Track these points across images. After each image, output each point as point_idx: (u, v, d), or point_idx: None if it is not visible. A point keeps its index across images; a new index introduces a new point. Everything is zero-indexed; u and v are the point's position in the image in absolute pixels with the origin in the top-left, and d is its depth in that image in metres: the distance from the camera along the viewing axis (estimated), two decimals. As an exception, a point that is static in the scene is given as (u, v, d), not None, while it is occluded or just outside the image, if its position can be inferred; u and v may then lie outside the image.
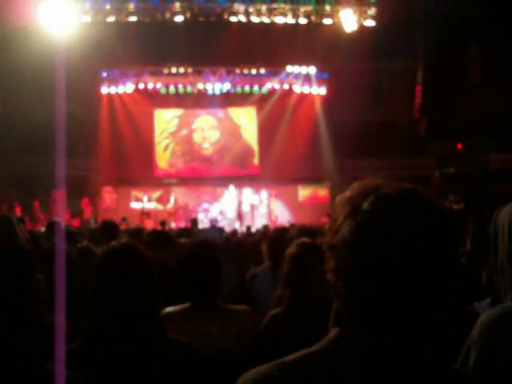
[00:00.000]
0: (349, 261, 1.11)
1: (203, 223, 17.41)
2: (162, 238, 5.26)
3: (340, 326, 1.17)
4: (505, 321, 1.68)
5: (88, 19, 17.40)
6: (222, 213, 18.77)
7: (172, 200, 19.13)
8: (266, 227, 11.85)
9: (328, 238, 1.18)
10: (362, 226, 1.11)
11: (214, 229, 9.43)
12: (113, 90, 20.19)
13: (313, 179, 20.11)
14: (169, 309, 2.82)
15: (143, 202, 19.48)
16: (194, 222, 15.55)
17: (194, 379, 2.06)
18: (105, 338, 2.03)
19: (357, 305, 1.12)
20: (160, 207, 19.58)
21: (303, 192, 20.39)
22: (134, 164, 19.48)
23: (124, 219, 16.24)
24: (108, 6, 17.48)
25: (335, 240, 1.15)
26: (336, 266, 1.14)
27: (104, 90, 20.10)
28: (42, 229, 13.60)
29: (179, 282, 2.89)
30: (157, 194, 19.99)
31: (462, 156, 18.35)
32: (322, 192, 20.22)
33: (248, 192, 19.48)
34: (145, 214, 18.68)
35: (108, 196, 19.80)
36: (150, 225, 16.71)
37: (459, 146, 18.63)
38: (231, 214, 18.72)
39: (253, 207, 19.32)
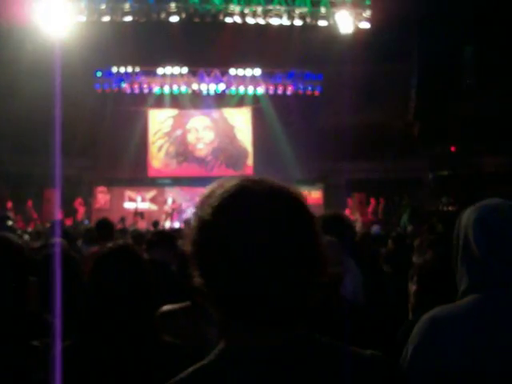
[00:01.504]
0: (206, 266, 1.14)
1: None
2: (165, 238, 5.26)
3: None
4: (449, 319, 1.72)
5: (83, 19, 17.36)
6: None
7: (169, 200, 19.10)
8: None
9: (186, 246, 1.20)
10: (202, 233, 1.15)
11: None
12: (107, 89, 20.16)
13: (306, 181, 20.11)
14: (167, 307, 2.82)
15: (137, 202, 19.46)
16: (188, 222, 15.58)
17: None
18: (95, 339, 2.03)
19: (226, 307, 1.14)
20: (154, 207, 19.58)
21: (297, 193, 20.40)
22: (128, 164, 19.44)
23: (122, 219, 16.21)
24: (103, 6, 17.45)
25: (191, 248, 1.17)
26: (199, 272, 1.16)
27: (99, 89, 20.07)
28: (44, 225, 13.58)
29: (181, 281, 2.89)
30: (150, 194, 19.98)
31: (455, 159, 18.42)
32: (316, 194, 20.24)
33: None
34: (138, 214, 18.65)
35: (101, 196, 19.77)
36: (143, 225, 16.70)
37: (453, 149, 18.70)
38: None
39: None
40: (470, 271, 1.78)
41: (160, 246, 4.96)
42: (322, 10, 18.18)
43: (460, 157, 18.19)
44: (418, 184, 18.95)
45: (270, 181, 1.18)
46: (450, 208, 17.11)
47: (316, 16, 18.32)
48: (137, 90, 20.36)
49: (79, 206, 18.15)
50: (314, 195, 20.30)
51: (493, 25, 16.69)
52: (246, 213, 1.12)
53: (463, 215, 1.84)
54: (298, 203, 1.16)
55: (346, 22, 17.84)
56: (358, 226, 17.33)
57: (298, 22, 18.44)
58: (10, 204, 16.21)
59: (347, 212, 18.40)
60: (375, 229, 16.18)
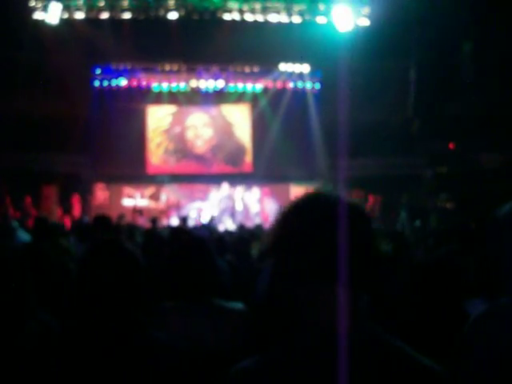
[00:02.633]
0: None
1: (195, 221, 17.47)
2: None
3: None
4: (495, 318, 1.72)
5: (82, 15, 17.36)
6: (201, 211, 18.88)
7: (163, 197, 19.13)
8: (259, 227, 11.79)
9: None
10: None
11: (204, 227, 9.43)
12: (106, 86, 20.14)
13: (305, 177, 20.11)
14: (165, 303, 2.82)
15: (136, 199, 19.47)
16: (184, 219, 15.58)
17: (175, 381, 2.02)
18: (80, 335, 2.03)
19: None
20: (153, 204, 19.59)
21: (295, 190, 20.39)
22: (127, 161, 19.43)
23: (121, 216, 16.17)
24: (102, 3, 17.45)
25: None
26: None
27: (97, 86, 20.04)
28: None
29: (173, 278, 2.89)
30: (149, 191, 19.98)
31: (454, 155, 18.43)
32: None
33: (241, 190, 19.52)
34: (137, 211, 18.65)
35: (100, 193, 19.77)
36: (142, 222, 16.68)
37: (451, 146, 18.71)
38: (219, 212, 18.75)
39: (245, 205, 19.37)
40: (508, 273, 1.77)
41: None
42: (321, 6, 18.18)
43: (459, 154, 18.20)
44: (416, 181, 18.94)
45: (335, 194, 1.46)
46: (448, 205, 17.14)
47: (315, 13, 18.32)
48: (135, 87, 20.32)
49: (76, 202, 18.13)
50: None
51: (492, 22, 16.68)
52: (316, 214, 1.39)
53: (502, 213, 1.83)
54: (356, 210, 1.42)
55: (345, 19, 17.84)
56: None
57: (296, 19, 18.44)
58: (8, 200, 16.20)
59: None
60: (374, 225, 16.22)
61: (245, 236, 7.43)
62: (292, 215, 1.42)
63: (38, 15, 16.58)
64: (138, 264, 2.10)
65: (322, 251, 1.32)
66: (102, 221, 6.20)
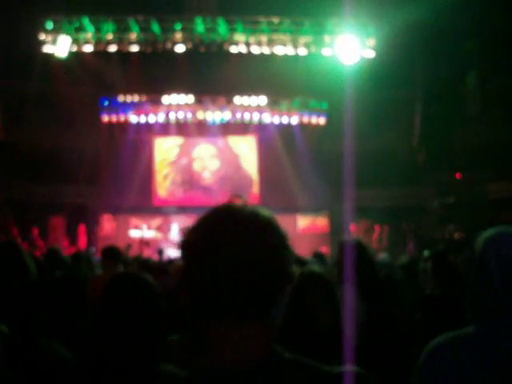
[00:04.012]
0: None
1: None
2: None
3: None
4: (447, 349, 1.72)
5: (90, 48, 17.58)
6: None
7: (176, 229, 19.05)
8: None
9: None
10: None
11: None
12: (114, 118, 20.27)
13: (312, 208, 20.11)
14: (174, 336, 2.81)
15: (142, 230, 19.45)
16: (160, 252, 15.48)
17: None
18: (95, 364, 2.03)
19: None
20: (159, 236, 19.57)
21: (302, 221, 20.40)
22: (134, 192, 19.49)
23: (128, 247, 16.14)
24: (110, 36, 17.67)
25: None
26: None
27: (105, 118, 20.17)
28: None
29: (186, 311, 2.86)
30: (156, 222, 19.98)
31: (460, 185, 18.40)
32: (322, 221, 20.24)
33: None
34: (144, 243, 18.63)
35: (107, 224, 19.78)
36: (148, 253, 16.64)
37: (458, 176, 18.69)
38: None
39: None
40: (480, 299, 1.77)
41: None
42: (326, 39, 18.34)
43: (465, 183, 18.18)
44: (423, 211, 18.91)
45: (242, 208, 1.34)
46: (457, 235, 17.05)
47: (320, 45, 18.48)
48: (143, 119, 20.44)
49: (83, 233, 18.15)
50: (319, 223, 20.31)
51: (496, 51, 16.81)
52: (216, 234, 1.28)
53: (477, 242, 1.84)
54: (261, 224, 1.31)
55: (350, 51, 17.98)
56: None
57: (302, 51, 18.60)
58: (15, 231, 16.24)
59: (353, 240, 18.33)
60: (383, 256, 16.16)
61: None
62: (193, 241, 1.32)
63: (47, 48, 16.77)
64: (158, 296, 2.13)
65: (219, 282, 1.23)
66: (111, 252, 6.18)
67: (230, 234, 1.26)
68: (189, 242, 1.31)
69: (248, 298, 1.25)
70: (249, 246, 1.25)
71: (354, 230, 18.88)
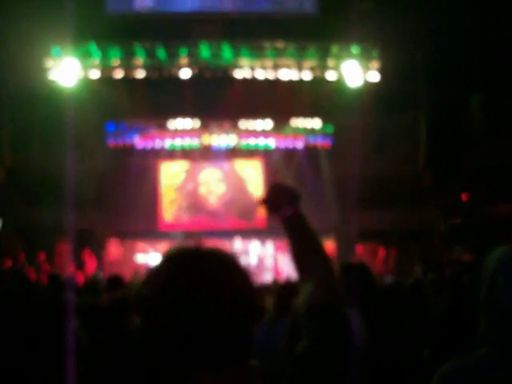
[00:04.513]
0: None
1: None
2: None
3: None
4: (458, 374, 1.68)
5: (96, 74, 17.72)
6: None
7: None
8: (275, 282, 11.70)
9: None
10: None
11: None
12: (120, 143, 20.38)
13: (319, 232, 19.94)
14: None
15: (149, 255, 19.45)
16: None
17: None
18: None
19: None
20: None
21: (309, 244, 20.32)
22: (140, 217, 19.51)
23: (136, 273, 16.15)
24: (116, 62, 17.82)
25: None
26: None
27: (111, 142, 20.30)
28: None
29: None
30: (163, 247, 19.94)
31: (467, 207, 18.35)
32: (329, 245, 20.14)
33: (255, 245, 19.51)
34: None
35: (114, 249, 19.79)
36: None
37: (464, 198, 18.64)
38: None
39: (259, 260, 19.32)
40: (490, 320, 1.75)
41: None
42: (331, 62, 18.44)
43: (472, 205, 18.13)
44: (430, 233, 18.83)
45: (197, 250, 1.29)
46: (466, 257, 16.93)
47: (325, 68, 18.57)
48: (149, 144, 20.55)
49: (88, 257, 18.14)
50: (326, 246, 20.20)
51: (500, 73, 16.86)
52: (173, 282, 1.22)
53: (487, 261, 1.82)
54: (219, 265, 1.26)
55: (355, 74, 18.06)
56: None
57: (307, 75, 18.68)
58: (22, 256, 16.25)
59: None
60: (388, 279, 16.07)
61: (259, 291, 7.34)
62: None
63: (54, 74, 16.92)
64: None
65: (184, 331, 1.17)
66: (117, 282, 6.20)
67: (189, 281, 1.19)
68: (144, 297, 1.23)
69: (219, 345, 1.18)
70: (211, 291, 1.19)
71: (361, 251, 18.84)
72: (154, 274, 1.26)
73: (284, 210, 1.85)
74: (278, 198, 1.86)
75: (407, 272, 16.80)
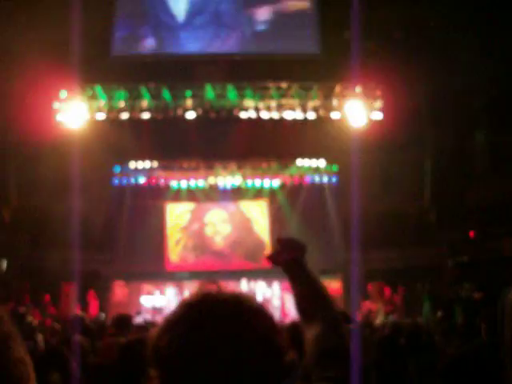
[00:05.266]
0: None
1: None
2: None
3: None
4: None
5: (102, 116, 17.90)
6: None
7: (186, 295, 18.89)
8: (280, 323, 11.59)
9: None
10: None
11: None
12: (125, 184, 20.49)
13: (325, 271, 19.93)
14: None
15: (155, 296, 19.33)
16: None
17: None
18: None
19: None
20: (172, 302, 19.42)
21: (316, 284, 20.16)
22: (146, 258, 19.51)
23: (138, 313, 16.09)
24: (122, 104, 18.02)
25: None
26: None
27: (117, 184, 20.41)
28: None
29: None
30: (168, 288, 19.85)
31: (474, 244, 18.24)
32: (335, 284, 19.99)
33: (261, 285, 19.38)
34: (157, 309, 18.54)
35: (119, 290, 19.69)
36: (161, 320, 16.46)
37: (471, 234, 18.55)
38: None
39: (266, 301, 19.15)
40: None
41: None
42: (334, 102, 18.58)
43: (479, 241, 18.02)
44: (437, 271, 18.69)
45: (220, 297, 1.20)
46: (476, 295, 16.74)
47: (329, 108, 18.70)
48: (154, 185, 20.65)
49: (92, 299, 18.03)
50: (333, 286, 20.06)
51: (503, 110, 16.97)
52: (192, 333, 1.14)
53: (508, 297, 1.78)
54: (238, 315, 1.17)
55: (358, 113, 18.17)
56: (380, 316, 17.05)
57: (311, 115, 18.81)
58: (27, 298, 16.17)
59: (368, 303, 18.12)
60: (396, 318, 15.89)
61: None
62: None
63: (61, 116, 17.10)
64: None
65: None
66: (122, 322, 6.14)
67: (212, 333, 1.11)
68: (162, 348, 1.13)
69: None
70: (236, 344, 1.10)
71: (371, 290, 18.68)
72: (173, 322, 1.16)
73: (284, 256, 1.86)
74: (284, 250, 1.88)
75: (416, 310, 16.64)
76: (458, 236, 18.63)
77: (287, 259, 1.84)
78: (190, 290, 19.21)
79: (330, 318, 1.63)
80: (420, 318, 15.60)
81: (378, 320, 15.97)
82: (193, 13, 18.81)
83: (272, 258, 1.91)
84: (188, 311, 1.17)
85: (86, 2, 14.64)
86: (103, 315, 16.73)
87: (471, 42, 16.68)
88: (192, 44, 18.86)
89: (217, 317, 1.13)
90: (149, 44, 18.99)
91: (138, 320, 14.67)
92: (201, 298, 1.20)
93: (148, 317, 16.46)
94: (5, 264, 17.41)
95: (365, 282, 18.92)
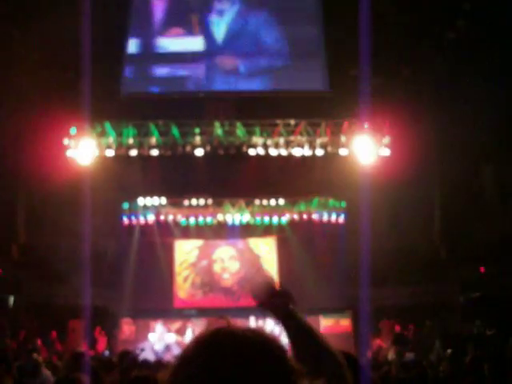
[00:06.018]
0: None
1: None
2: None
3: None
4: None
5: (112, 153, 18.01)
6: None
7: (189, 333, 18.75)
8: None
9: None
10: None
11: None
12: (134, 221, 20.52)
13: (334, 309, 19.76)
14: None
15: (163, 333, 19.15)
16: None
17: None
18: None
19: None
20: (179, 339, 19.22)
21: (325, 322, 19.94)
22: (154, 295, 19.43)
23: (142, 350, 15.88)
24: (131, 141, 18.14)
25: None
26: None
27: (125, 220, 20.44)
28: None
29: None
30: (176, 325, 19.68)
31: (485, 279, 18.06)
32: (345, 322, 19.79)
33: (270, 323, 19.16)
34: (165, 347, 18.38)
35: (126, 327, 19.53)
36: (169, 358, 16.30)
37: (482, 270, 18.38)
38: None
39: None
40: None
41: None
42: (343, 138, 18.64)
43: (490, 277, 17.84)
44: (449, 308, 18.48)
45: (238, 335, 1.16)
46: (488, 332, 16.51)
47: (337, 145, 18.75)
48: (163, 222, 20.66)
49: (99, 335, 17.88)
50: (342, 323, 19.84)
51: (510, 143, 16.99)
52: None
53: None
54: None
55: (366, 150, 18.20)
56: (391, 354, 16.81)
57: (319, 152, 18.85)
58: (34, 334, 16.04)
59: (379, 341, 17.90)
60: (409, 356, 15.64)
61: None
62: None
63: (70, 153, 17.23)
64: None
65: None
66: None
67: (227, 373, 1.06)
68: (180, 381, 1.10)
69: None
70: (257, 378, 1.06)
71: (381, 327, 18.45)
72: (186, 360, 1.12)
73: (272, 302, 1.90)
74: (267, 293, 1.92)
75: (427, 348, 16.39)
76: (469, 272, 18.47)
77: (279, 305, 1.87)
78: (198, 327, 19.05)
79: (333, 369, 1.60)
80: (432, 356, 15.38)
81: (390, 357, 15.76)
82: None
83: (259, 299, 1.95)
84: (201, 348, 1.12)
85: (95, 41, 14.90)
86: (107, 352, 16.59)
87: (479, 79, 16.78)
88: (200, 82, 19.10)
89: (231, 356, 1.09)
90: (158, 82, 19.22)
91: (147, 356, 14.53)
92: (214, 334, 1.16)
93: (153, 354, 16.29)
94: (12, 300, 17.36)
95: (375, 319, 18.71)
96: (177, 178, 19.17)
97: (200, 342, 1.14)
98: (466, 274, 18.57)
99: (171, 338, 19.15)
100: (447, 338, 16.37)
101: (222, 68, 19.54)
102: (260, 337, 1.14)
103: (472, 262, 18.30)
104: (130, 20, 19.16)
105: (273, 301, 1.78)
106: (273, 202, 20.71)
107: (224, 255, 21.22)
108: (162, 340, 18.86)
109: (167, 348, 18.39)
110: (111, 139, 18.00)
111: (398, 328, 18.22)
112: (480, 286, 18.26)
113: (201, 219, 20.87)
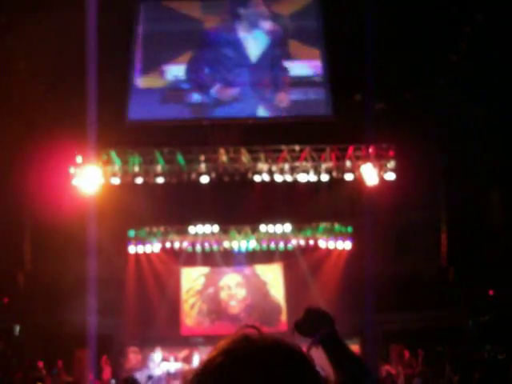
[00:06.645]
0: None
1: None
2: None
3: None
4: None
5: (117, 181, 18.05)
6: None
7: (196, 361, 18.61)
8: None
9: None
10: None
11: None
12: (140, 249, 20.49)
13: (342, 334, 19.49)
14: None
15: (169, 362, 19.00)
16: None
17: None
18: None
19: None
20: (186, 367, 19.06)
21: (334, 348, 19.76)
22: (161, 323, 19.33)
23: (149, 378, 15.78)
24: (136, 169, 18.18)
25: None
26: None
27: (131, 249, 20.41)
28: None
29: None
30: (183, 353, 19.53)
31: (495, 302, 17.90)
32: (353, 347, 19.52)
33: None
34: (171, 375, 18.21)
35: (133, 356, 19.38)
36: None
37: (491, 293, 18.23)
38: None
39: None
40: None
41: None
42: (348, 163, 18.65)
43: (499, 300, 17.69)
44: (458, 332, 18.29)
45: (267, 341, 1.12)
46: (500, 356, 16.30)
47: (342, 170, 18.76)
48: (169, 249, 20.62)
49: (105, 364, 17.74)
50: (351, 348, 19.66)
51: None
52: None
53: None
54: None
55: (372, 175, 18.20)
56: (401, 380, 16.64)
57: (324, 177, 18.85)
58: (41, 364, 15.95)
59: (388, 366, 17.71)
60: (417, 382, 15.47)
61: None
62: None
63: (76, 181, 17.28)
64: None
65: None
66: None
67: (256, 375, 1.02)
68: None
69: None
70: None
71: (387, 354, 18.27)
72: (209, 369, 1.08)
73: (319, 332, 1.88)
74: (313, 321, 1.94)
75: (437, 373, 16.20)
76: (478, 295, 18.32)
77: (323, 336, 1.87)
78: (205, 355, 18.85)
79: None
80: (442, 382, 15.19)
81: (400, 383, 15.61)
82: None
83: (299, 329, 1.95)
84: (226, 358, 1.08)
85: (101, 69, 15.06)
86: (113, 382, 16.46)
87: (484, 102, 16.82)
88: (204, 109, 19.15)
89: (257, 366, 1.05)
90: (166, 110, 19.29)
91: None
92: (239, 342, 1.11)
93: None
94: (18, 329, 17.29)
95: (383, 344, 18.54)
96: (182, 205, 19.14)
97: (223, 352, 1.10)
98: (475, 297, 18.43)
99: (175, 366, 18.97)
100: (457, 363, 16.18)
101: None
102: (283, 344, 1.10)
103: (480, 285, 18.17)
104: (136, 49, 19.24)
105: (324, 331, 1.76)
106: (279, 228, 20.66)
107: (231, 282, 21.14)
108: (164, 367, 18.70)
109: (170, 375, 18.25)
110: (117, 167, 18.06)
111: (406, 353, 18.03)
112: (489, 309, 18.12)
113: (207, 246, 20.83)
